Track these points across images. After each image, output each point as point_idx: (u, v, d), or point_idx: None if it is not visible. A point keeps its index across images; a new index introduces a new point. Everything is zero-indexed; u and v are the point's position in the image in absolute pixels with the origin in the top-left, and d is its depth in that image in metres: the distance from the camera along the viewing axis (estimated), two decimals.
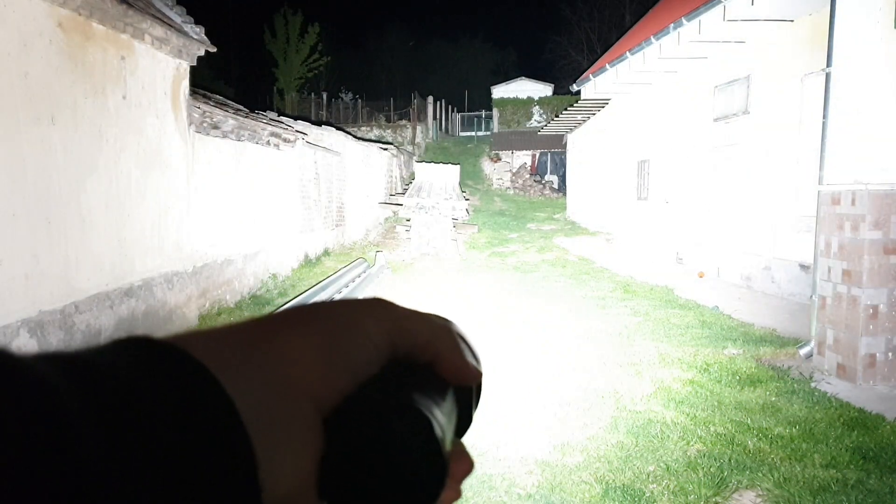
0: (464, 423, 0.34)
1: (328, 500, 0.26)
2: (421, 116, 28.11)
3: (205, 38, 7.34)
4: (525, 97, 31.06)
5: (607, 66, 13.96)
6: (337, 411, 0.27)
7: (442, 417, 0.29)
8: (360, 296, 8.51)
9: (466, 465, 0.32)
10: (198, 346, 0.24)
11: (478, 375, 0.34)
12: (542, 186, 25.93)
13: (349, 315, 0.30)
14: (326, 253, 12.69)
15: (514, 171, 26.91)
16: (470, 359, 0.33)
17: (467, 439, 0.34)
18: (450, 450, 0.29)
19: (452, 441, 0.31)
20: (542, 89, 31.66)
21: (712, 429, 4.29)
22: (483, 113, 33.33)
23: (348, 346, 0.28)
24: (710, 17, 9.33)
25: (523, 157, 27.41)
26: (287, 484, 0.25)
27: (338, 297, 7.87)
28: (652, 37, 11.25)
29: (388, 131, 26.92)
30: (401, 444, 0.26)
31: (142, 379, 0.21)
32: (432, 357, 0.31)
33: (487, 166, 27.26)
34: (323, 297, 8.06)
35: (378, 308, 0.31)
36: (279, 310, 0.30)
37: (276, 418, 0.25)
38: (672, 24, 10.33)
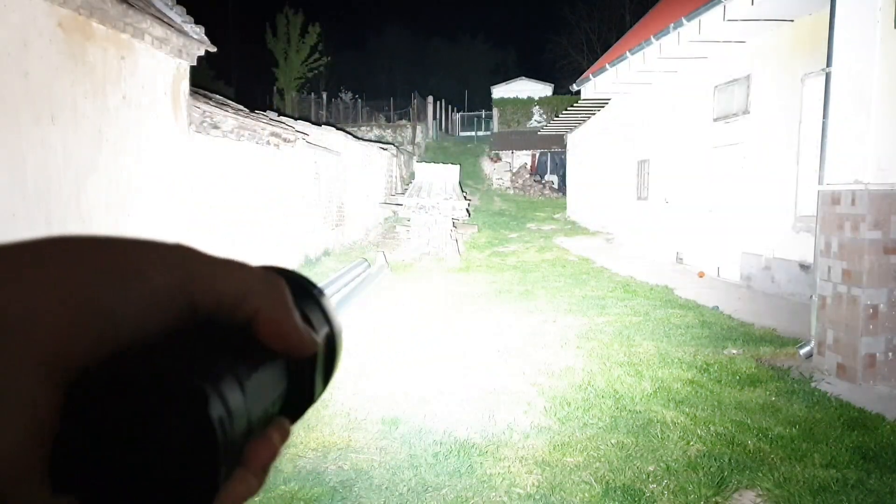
0: (302, 399, 0.28)
1: (67, 492, 0.21)
2: (421, 116, 28.10)
3: (205, 37, 7.34)
4: (525, 97, 31.06)
5: (607, 66, 13.95)
6: (80, 380, 0.21)
7: (237, 395, 0.23)
8: (361, 297, 8.36)
9: (269, 450, 0.26)
10: None
11: (310, 345, 0.27)
12: (542, 186, 25.91)
13: (122, 256, 0.24)
14: (326, 253, 12.69)
15: (514, 171, 26.89)
16: (298, 322, 0.27)
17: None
18: (257, 432, 0.25)
19: (275, 420, 0.27)
20: (542, 89, 31.66)
21: (712, 429, 4.29)
22: (483, 113, 33.35)
23: (113, 295, 0.22)
24: (710, 16, 9.32)
25: (523, 157, 27.40)
26: None
27: (338, 297, 7.86)
28: (652, 37, 11.25)
29: (388, 131, 26.89)
30: (159, 423, 0.21)
31: None
32: (250, 316, 0.26)
33: (487, 166, 27.24)
34: None
35: (172, 252, 0.25)
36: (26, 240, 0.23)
37: None
38: (672, 24, 10.33)
